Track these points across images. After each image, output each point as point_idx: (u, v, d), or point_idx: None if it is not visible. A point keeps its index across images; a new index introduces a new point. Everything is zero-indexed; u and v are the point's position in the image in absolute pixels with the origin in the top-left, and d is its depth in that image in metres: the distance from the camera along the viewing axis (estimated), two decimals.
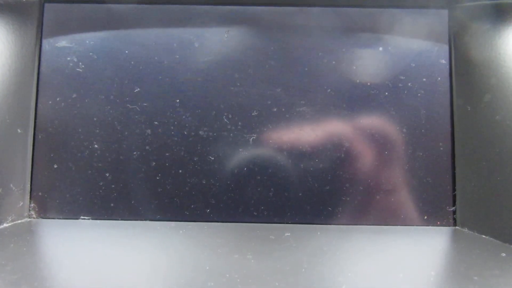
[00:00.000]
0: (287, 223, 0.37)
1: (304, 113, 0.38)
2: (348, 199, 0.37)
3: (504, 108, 0.34)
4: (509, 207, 0.33)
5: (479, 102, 0.36)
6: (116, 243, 0.33)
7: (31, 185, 0.37)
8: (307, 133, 0.38)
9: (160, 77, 0.38)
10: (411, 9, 0.38)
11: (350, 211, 0.37)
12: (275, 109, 0.38)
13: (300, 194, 0.37)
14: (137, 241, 0.33)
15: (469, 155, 0.36)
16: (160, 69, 0.38)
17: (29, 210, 0.37)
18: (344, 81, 0.38)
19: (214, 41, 0.38)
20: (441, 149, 0.37)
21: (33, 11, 0.38)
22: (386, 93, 0.38)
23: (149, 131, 0.38)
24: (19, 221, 0.36)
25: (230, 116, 0.38)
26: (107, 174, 0.37)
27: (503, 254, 0.30)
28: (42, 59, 0.38)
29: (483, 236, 0.34)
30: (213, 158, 0.38)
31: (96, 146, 0.38)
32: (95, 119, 0.38)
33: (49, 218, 0.37)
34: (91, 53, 0.38)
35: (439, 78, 0.38)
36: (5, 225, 0.35)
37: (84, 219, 0.37)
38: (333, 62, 0.38)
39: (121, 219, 0.37)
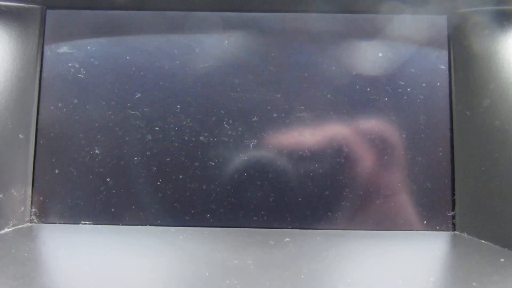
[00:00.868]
0: (287, 228, 0.37)
1: (304, 118, 0.38)
2: (347, 204, 0.37)
3: (503, 113, 0.34)
4: (509, 212, 0.33)
5: (478, 107, 0.36)
6: (116, 248, 0.33)
7: (32, 190, 0.37)
8: (307, 138, 0.38)
9: (161, 83, 0.38)
10: (410, 15, 0.39)
11: (350, 216, 0.37)
12: (275, 115, 0.38)
13: (300, 199, 0.37)
14: (137, 246, 0.33)
15: (468, 160, 0.36)
16: (161, 74, 0.38)
17: (30, 215, 0.37)
18: (344, 87, 0.38)
19: (214, 47, 0.39)
20: (441, 154, 0.37)
21: (35, 17, 0.38)
22: (386, 98, 0.38)
23: (150, 136, 0.38)
24: (20, 226, 0.36)
25: (230, 121, 0.38)
26: (108, 179, 0.38)
27: (502, 260, 0.30)
28: (44, 65, 0.38)
29: (482, 241, 0.34)
30: (213, 164, 0.38)
31: (97, 151, 0.38)
32: (96, 124, 0.38)
33: (50, 223, 0.37)
34: (92, 59, 0.39)
35: (438, 83, 0.38)
36: (6, 230, 0.35)
37: (85, 224, 0.37)
38: (333, 68, 0.38)
39: (122, 224, 0.37)
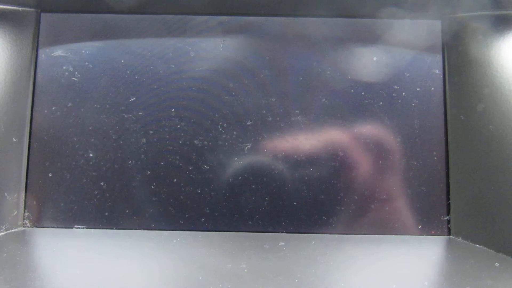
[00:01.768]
0: (281, 232, 0.37)
1: (299, 122, 0.38)
2: (342, 208, 0.37)
3: (497, 118, 0.34)
4: (503, 217, 0.33)
5: (472, 111, 0.36)
6: (110, 252, 0.33)
7: (25, 194, 0.37)
8: (301, 142, 0.38)
9: (156, 86, 0.38)
10: (405, 20, 0.39)
11: (345, 220, 0.37)
12: (270, 119, 0.38)
13: (294, 203, 0.37)
14: (131, 250, 0.33)
15: (463, 165, 0.36)
16: (155, 78, 0.38)
17: (23, 219, 0.37)
18: (339, 91, 0.38)
19: (209, 51, 0.39)
20: (435, 158, 0.38)
21: (29, 20, 0.38)
22: (380, 103, 0.38)
23: (144, 140, 0.38)
24: (13, 230, 0.36)
25: (225, 125, 0.38)
26: (102, 183, 0.37)
27: (497, 264, 0.30)
28: (38, 68, 0.38)
29: (477, 245, 0.34)
30: (208, 167, 0.38)
31: (91, 155, 0.38)
32: (90, 128, 0.38)
33: (43, 227, 0.37)
34: (86, 63, 0.38)
35: (432, 88, 0.38)
36: None
37: (79, 228, 0.37)
38: (328, 72, 0.38)
39: (116, 228, 0.37)
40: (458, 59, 0.37)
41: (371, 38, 0.39)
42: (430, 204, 0.37)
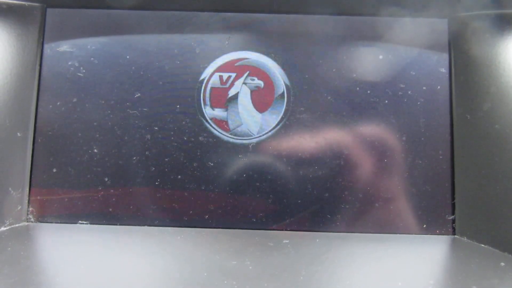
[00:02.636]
0: (285, 230, 0.37)
1: (304, 120, 0.38)
2: (347, 206, 0.37)
3: (503, 117, 0.34)
4: (509, 216, 0.33)
5: (478, 110, 0.36)
6: (113, 248, 0.33)
7: (29, 189, 0.37)
8: (306, 140, 0.38)
9: (161, 83, 0.38)
10: (411, 19, 0.39)
11: (349, 219, 0.37)
12: (275, 116, 0.38)
13: (299, 201, 0.37)
14: (134, 246, 0.33)
15: (468, 164, 0.36)
16: (161, 74, 0.38)
17: (27, 214, 0.37)
18: (344, 89, 0.38)
19: (215, 48, 0.39)
20: (441, 157, 0.37)
21: (35, 15, 0.38)
22: (386, 101, 0.38)
23: (148, 136, 0.38)
24: (17, 225, 0.36)
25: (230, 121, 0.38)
26: (106, 179, 0.37)
27: (502, 264, 0.30)
28: (44, 63, 0.38)
29: (482, 245, 0.34)
30: (212, 164, 0.38)
31: (95, 150, 0.38)
32: (95, 123, 0.38)
33: (47, 222, 0.37)
34: (92, 58, 0.38)
35: (438, 87, 0.38)
36: (2, 228, 0.35)
37: (82, 223, 0.37)
38: (334, 70, 0.38)
39: (119, 224, 0.37)
40: (464, 58, 0.37)
41: (377, 36, 0.39)
42: (435, 204, 0.37)
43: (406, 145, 0.38)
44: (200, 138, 0.38)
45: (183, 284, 0.26)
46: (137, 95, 0.38)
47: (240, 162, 0.38)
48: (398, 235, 0.37)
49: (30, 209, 0.37)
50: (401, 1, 0.37)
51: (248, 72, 0.38)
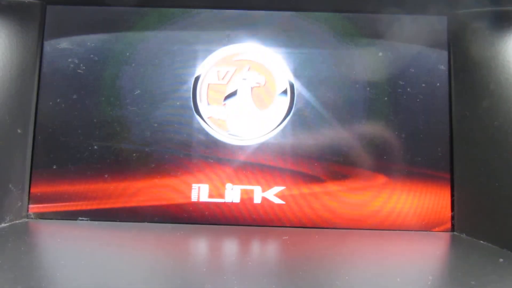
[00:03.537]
0: (285, 226, 0.37)
1: (304, 117, 0.38)
2: (347, 201, 0.37)
3: (502, 114, 0.34)
4: (507, 213, 0.33)
5: (477, 107, 0.36)
6: (113, 244, 0.33)
7: (30, 186, 0.37)
8: (306, 137, 0.38)
9: (161, 80, 0.38)
10: (410, 15, 0.39)
11: (350, 215, 0.37)
12: (277, 114, 0.38)
13: (298, 199, 0.37)
14: (135, 242, 0.33)
15: (467, 161, 0.36)
16: (160, 71, 0.38)
17: (28, 210, 0.37)
18: (344, 86, 0.38)
19: (214, 45, 0.39)
20: (440, 154, 0.37)
21: (35, 12, 0.38)
22: (385, 98, 0.38)
23: (148, 133, 0.38)
24: (17, 221, 0.36)
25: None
26: (106, 176, 0.37)
27: (501, 260, 0.30)
28: (44, 60, 0.38)
29: (481, 241, 0.34)
30: (212, 161, 0.38)
31: (95, 147, 0.38)
32: (95, 120, 0.38)
33: (47, 219, 0.37)
34: (92, 55, 0.38)
35: (438, 84, 0.38)
36: (3, 225, 0.35)
37: (82, 220, 0.37)
38: (333, 67, 0.38)
39: (119, 221, 0.37)
40: (463, 55, 0.37)
41: (376, 34, 0.39)
42: (434, 200, 0.37)
43: (405, 142, 0.38)
44: (200, 135, 0.38)
45: (182, 279, 0.26)
46: (136, 92, 0.38)
47: (239, 158, 0.38)
48: (397, 231, 0.37)
49: (30, 205, 0.37)
50: None
51: (248, 66, 0.38)
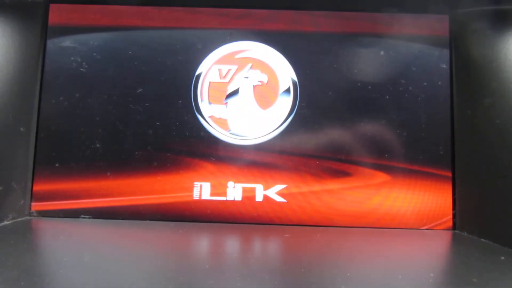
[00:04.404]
0: (287, 224, 0.37)
1: (305, 115, 0.38)
2: (348, 199, 0.37)
3: (504, 112, 0.34)
4: (509, 211, 0.33)
5: (479, 106, 0.36)
6: (116, 242, 0.33)
7: (32, 184, 0.37)
8: (308, 135, 0.38)
9: (163, 78, 0.38)
10: (412, 14, 0.39)
11: (351, 213, 0.37)
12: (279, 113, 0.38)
13: (299, 197, 0.37)
14: (137, 240, 0.33)
15: (469, 159, 0.36)
16: (163, 70, 0.38)
17: (30, 208, 0.37)
18: (345, 84, 0.38)
19: (217, 43, 0.39)
20: (441, 153, 0.37)
21: (38, 11, 0.38)
22: (387, 97, 0.38)
23: (150, 131, 0.38)
24: (20, 219, 0.36)
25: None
26: (108, 174, 0.38)
27: (502, 257, 0.30)
28: (46, 58, 0.38)
29: (483, 239, 0.34)
30: (214, 159, 0.38)
31: (98, 145, 0.38)
32: (97, 118, 0.38)
33: (49, 217, 0.37)
34: (94, 54, 0.39)
35: (439, 82, 0.38)
36: (6, 222, 0.35)
37: (85, 217, 0.37)
38: (335, 65, 0.38)
39: (122, 219, 0.37)
40: (465, 54, 0.37)
41: (378, 32, 0.39)
42: (435, 198, 0.37)
43: (407, 141, 0.38)
44: (201, 133, 0.38)
45: (184, 276, 0.26)
46: (139, 91, 0.38)
47: (242, 158, 0.38)
48: (399, 229, 0.37)
49: (33, 203, 0.37)
50: None
51: (250, 64, 0.38)
